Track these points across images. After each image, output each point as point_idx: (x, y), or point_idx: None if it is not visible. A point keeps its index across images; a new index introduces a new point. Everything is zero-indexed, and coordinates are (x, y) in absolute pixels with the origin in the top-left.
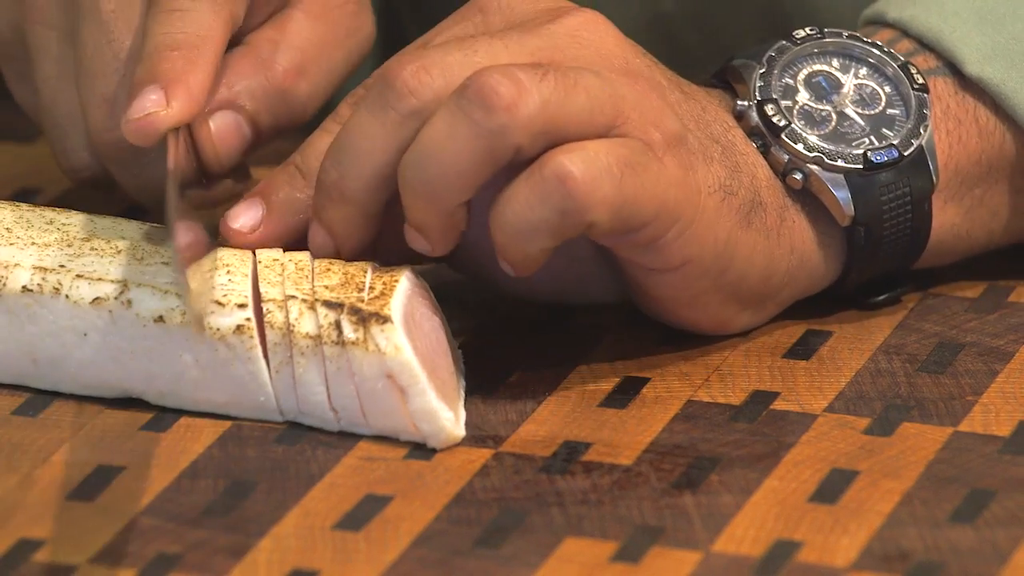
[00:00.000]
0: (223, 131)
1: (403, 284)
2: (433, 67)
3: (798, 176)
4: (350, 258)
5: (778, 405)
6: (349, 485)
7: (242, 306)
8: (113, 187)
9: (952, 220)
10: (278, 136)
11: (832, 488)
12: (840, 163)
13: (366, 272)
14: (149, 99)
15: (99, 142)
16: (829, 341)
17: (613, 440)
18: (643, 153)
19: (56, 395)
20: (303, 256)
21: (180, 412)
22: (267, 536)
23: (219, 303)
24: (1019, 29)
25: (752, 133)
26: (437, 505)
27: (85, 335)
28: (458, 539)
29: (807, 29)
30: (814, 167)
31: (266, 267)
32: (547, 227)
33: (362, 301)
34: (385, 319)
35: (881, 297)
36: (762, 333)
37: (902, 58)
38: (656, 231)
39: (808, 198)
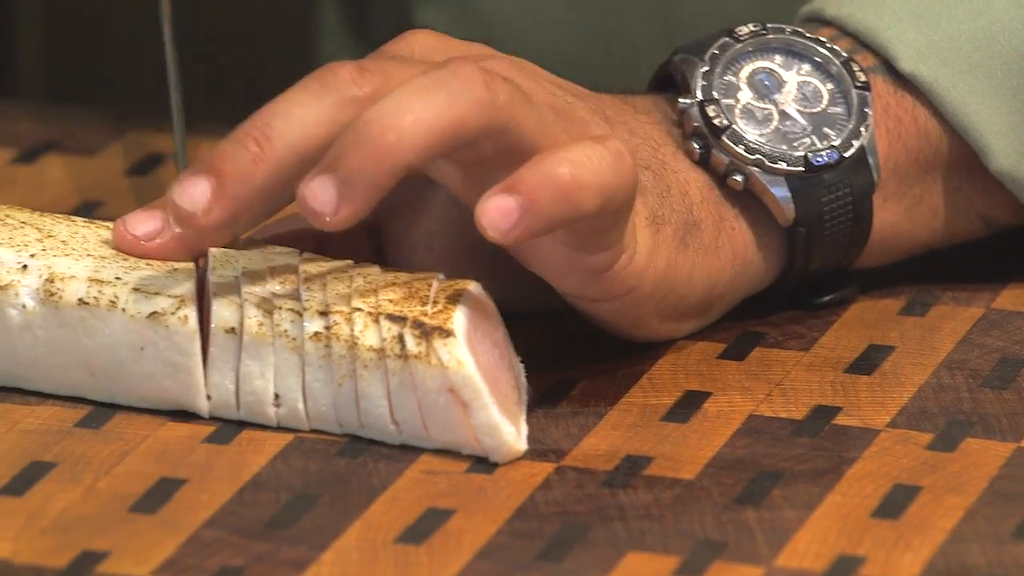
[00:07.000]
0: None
1: (467, 298)
2: (375, 68)
3: (739, 178)
4: (217, 226)
5: (840, 420)
6: (411, 498)
7: (323, 314)
8: None
9: (892, 218)
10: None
11: (895, 503)
12: (781, 166)
13: (430, 286)
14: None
15: None
16: (891, 356)
17: (675, 454)
18: None
19: (118, 408)
20: (373, 269)
21: (242, 425)
22: (329, 549)
23: (296, 312)
24: (954, 29)
25: (694, 134)
26: (499, 519)
27: (142, 349)
28: (520, 553)
29: (750, 25)
30: (755, 169)
31: (335, 278)
32: (607, 191)
33: (425, 315)
34: (448, 333)
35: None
36: (824, 348)
37: (845, 55)
38: (611, 257)
39: (748, 199)
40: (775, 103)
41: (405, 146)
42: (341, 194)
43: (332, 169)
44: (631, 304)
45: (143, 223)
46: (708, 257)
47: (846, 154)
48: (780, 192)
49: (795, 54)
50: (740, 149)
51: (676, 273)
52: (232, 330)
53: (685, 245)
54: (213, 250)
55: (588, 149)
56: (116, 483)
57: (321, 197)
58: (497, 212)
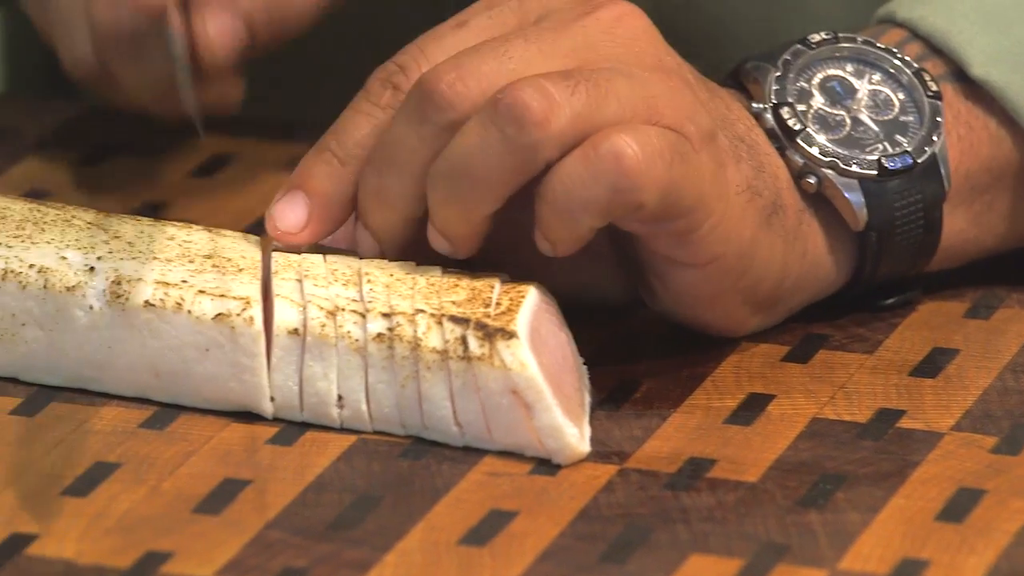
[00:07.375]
0: (219, 31)
1: (530, 300)
2: (469, 77)
3: (812, 180)
4: (393, 259)
5: (904, 423)
6: (474, 500)
7: (386, 315)
8: (112, 88)
9: (961, 225)
10: (275, 43)
11: (959, 507)
12: (855, 168)
13: (493, 288)
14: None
15: (99, 23)
16: (956, 359)
17: (738, 457)
18: (686, 143)
19: (182, 409)
20: (435, 271)
21: (305, 426)
22: (392, 551)
23: (359, 313)
24: None
25: (767, 135)
26: (562, 521)
27: (207, 350)
28: (583, 555)
29: (822, 33)
30: (829, 171)
31: (398, 280)
32: (598, 205)
33: (488, 316)
34: (511, 335)
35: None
36: (888, 351)
37: (916, 65)
38: (692, 223)
39: (821, 203)
40: (847, 109)
41: (478, 204)
42: (450, 241)
43: (434, 222)
44: (714, 275)
45: (289, 214)
46: (786, 244)
47: (919, 160)
48: (854, 196)
49: (866, 63)
50: (814, 151)
51: (758, 249)
52: (295, 331)
53: (770, 225)
54: (276, 253)
55: (571, 167)
56: (180, 484)
57: (439, 244)
58: (542, 246)
